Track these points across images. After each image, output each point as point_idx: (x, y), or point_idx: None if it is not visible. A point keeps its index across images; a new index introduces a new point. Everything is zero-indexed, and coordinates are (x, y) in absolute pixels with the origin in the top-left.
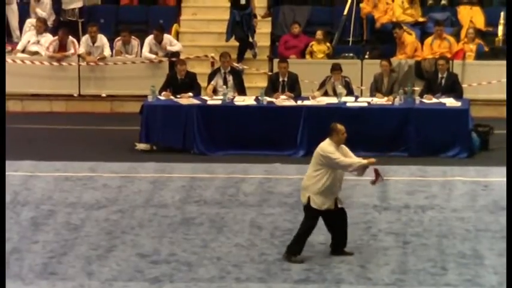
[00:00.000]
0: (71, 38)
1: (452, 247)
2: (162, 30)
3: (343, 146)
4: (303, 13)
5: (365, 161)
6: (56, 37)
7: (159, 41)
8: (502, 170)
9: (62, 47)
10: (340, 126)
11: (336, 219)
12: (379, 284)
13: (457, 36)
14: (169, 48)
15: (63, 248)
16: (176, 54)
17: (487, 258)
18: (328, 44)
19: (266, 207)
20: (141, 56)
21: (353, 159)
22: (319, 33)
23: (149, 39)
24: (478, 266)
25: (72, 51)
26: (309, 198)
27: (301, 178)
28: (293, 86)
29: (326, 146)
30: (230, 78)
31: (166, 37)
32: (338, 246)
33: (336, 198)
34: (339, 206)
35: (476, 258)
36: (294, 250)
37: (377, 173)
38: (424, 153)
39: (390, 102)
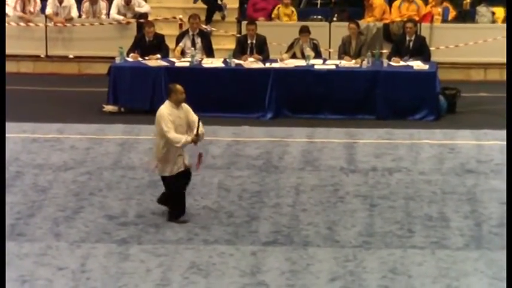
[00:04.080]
0: None
1: (419, 209)
2: None
3: (185, 105)
4: None
5: (190, 138)
6: None
7: (127, 2)
8: (469, 133)
9: (25, 5)
10: (178, 86)
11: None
12: (346, 246)
13: None
14: (137, 9)
15: (31, 210)
16: (144, 15)
17: (453, 220)
18: (292, 8)
19: (234, 169)
20: (109, 17)
21: (181, 136)
22: None
23: (117, 0)
24: (444, 228)
25: (37, 9)
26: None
27: (270, 141)
28: (261, 48)
29: (163, 111)
30: (198, 40)
31: None
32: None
33: (183, 158)
34: (187, 166)
35: (443, 220)
36: (177, 214)
37: (200, 157)
38: (392, 116)
39: (358, 65)
